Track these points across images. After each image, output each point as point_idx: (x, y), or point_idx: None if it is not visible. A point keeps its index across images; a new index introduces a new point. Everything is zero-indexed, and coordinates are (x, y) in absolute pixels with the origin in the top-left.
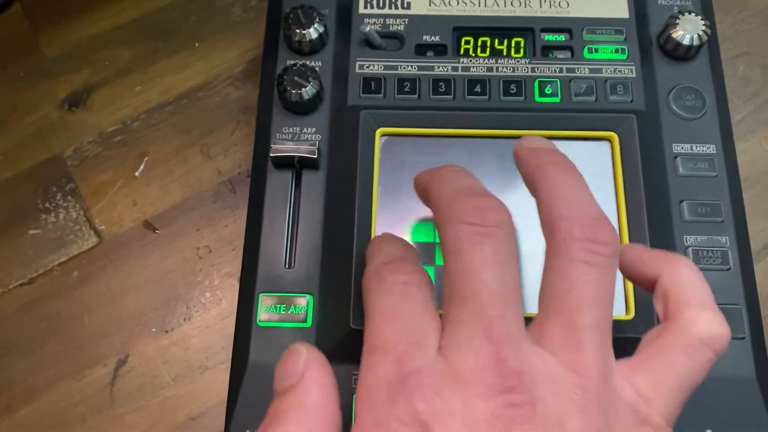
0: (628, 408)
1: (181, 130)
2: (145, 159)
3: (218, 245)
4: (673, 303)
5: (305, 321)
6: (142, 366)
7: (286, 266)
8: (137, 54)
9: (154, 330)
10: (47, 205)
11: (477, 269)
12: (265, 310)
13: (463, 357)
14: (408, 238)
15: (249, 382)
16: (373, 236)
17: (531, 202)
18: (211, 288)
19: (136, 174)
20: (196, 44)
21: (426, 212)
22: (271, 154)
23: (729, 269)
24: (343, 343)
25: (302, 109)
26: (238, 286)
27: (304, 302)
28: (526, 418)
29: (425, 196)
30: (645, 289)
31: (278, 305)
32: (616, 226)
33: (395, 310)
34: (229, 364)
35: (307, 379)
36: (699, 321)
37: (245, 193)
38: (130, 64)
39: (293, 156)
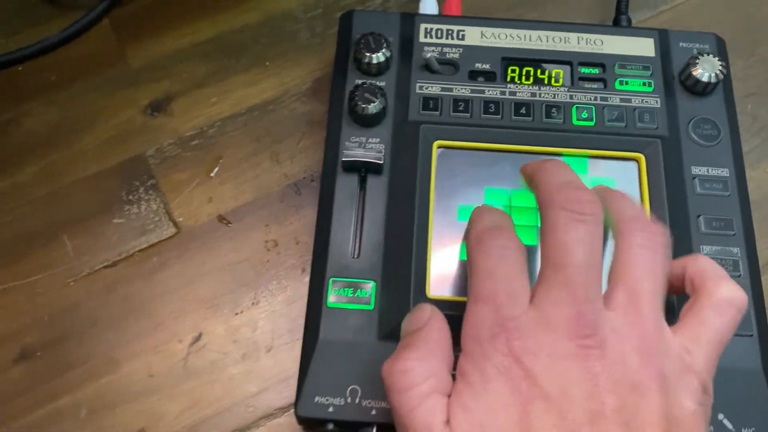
0: (676, 356)
1: (253, 138)
2: (220, 162)
3: (284, 239)
4: (698, 279)
5: (369, 304)
6: (213, 344)
7: (353, 256)
8: (212, 69)
9: (225, 312)
10: (130, 197)
11: (571, 246)
12: (335, 293)
13: (552, 311)
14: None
15: (318, 356)
16: (430, 232)
17: None
18: (277, 277)
19: (212, 175)
20: (267, 63)
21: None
22: (342, 159)
23: (740, 275)
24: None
25: (369, 122)
26: (301, 276)
27: (368, 287)
28: (597, 357)
29: (530, 182)
30: (677, 291)
31: (346, 289)
32: None
33: (494, 269)
34: (292, 344)
35: (430, 325)
36: (721, 286)
37: (309, 195)
38: (206, 78)
39: (362, 161)
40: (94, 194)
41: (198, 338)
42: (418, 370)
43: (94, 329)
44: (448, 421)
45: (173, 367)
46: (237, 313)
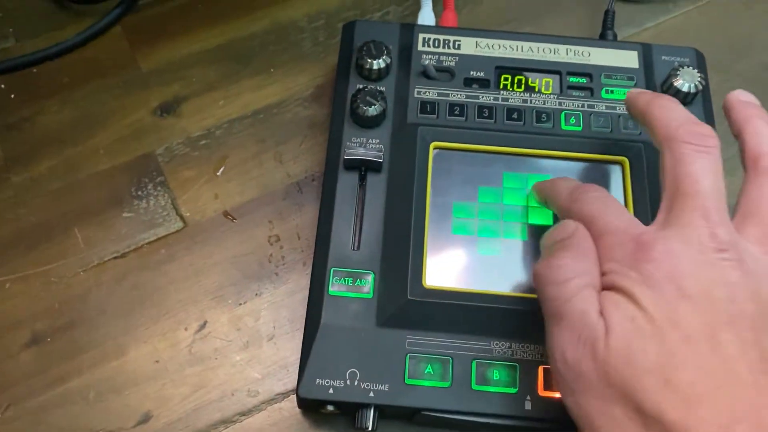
0: None
1: (258, 139)
2: (227, 161)
3: (287, 235)
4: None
5: (369, 293)
6: (218, 331)
7: (353, 248)
8: (221, 74)
9: (229, 302)
10: (140, 192)
11: (698, 175)
12: (336, 282)
13: (687, 231)
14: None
15: (320, 340)
16: (426, 227)
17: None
18: (280, 270)
19: (218, 173)
20: (272, 69)
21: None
22: (344, 157)
23: None
24: (400, 311)
25: (369, 124)
26: (303, 269)
27: (368, 277)
28: (734, 268)
29: (642, 117)
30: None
31: (346, 278)
32: None
33: (604, 210)
34: (293, 334)
35: (580, 232)
36: None
37: (311, 194)
38: (214, 82)
39: (362, 159)
40: (105, 189)
41: (203, 326)
42: (573, 265)
43: (103, 317)
44: (601, 313)
45: (179, 353)
46: (241, 304)
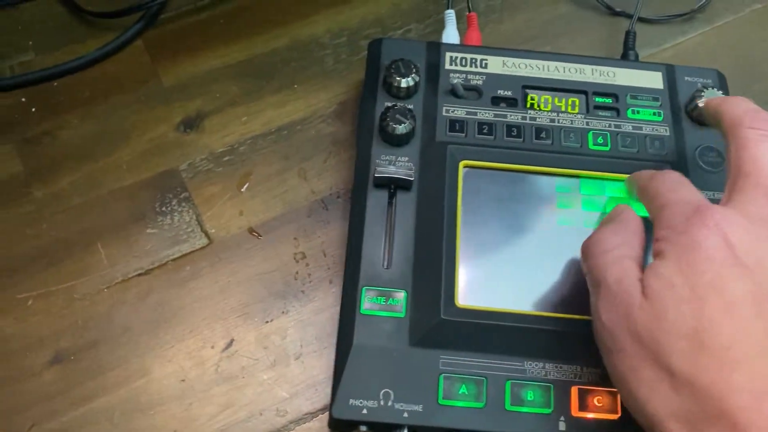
0: None
1: (282, 155)
2: (251, 177)
3: (312, 252)
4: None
5: (401, 312)
6: (245, 350)
7: (384, 266)
8: (243, 90)
9: (256, 320)
10: (164, 209)
11: (760, 157)
12: (369, 301)
13: (749, 206)
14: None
15: (353, 360)
16: (458, 245)
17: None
18: (306, 288)
19: (242, 190)
20: (295, 86)
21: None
22: (375, 175)
23: None
24: (433, 331)
25: (399, 142)
26: (329, 287)
27: (400, 296)
28: None
29: (714, 116)
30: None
31: (378, 297)
32: None
33: (681, 186)
34: (320, 352)
35: (627, 211)
36: None
37: (336, 211)
38: (237, 98)
39: (393, 177)
40: (128, 205)
41: (230, 344)
42: (613, 238)
43: (127, 334)
44: (641, 280)
45: (205, 371)
46: (267, 321)
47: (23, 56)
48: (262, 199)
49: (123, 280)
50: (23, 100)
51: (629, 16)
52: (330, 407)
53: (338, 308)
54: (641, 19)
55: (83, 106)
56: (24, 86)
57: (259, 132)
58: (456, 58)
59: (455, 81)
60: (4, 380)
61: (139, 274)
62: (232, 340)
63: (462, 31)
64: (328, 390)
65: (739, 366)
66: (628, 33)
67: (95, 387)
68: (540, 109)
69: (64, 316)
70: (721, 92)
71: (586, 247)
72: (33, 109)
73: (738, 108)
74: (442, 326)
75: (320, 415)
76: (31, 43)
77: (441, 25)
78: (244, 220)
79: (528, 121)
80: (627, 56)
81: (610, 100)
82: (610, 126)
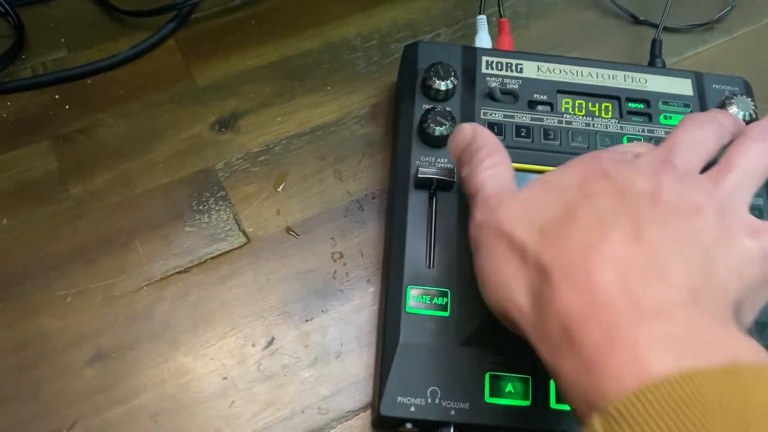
0: (741, 223)
1: (317, 156)
2: (287, 177)
3: (350, 252)
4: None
5: (446, 310)
6: (285, 348)
7: (428, 266)
8: (277, 90)
9: (295, 318)
10: (201, 207)
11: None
12: (414, 299)
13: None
14: None
15: (400, 358)
16: None
17: None
18: (344, 287)
19: (279, 189)
20: (328, 88)
21: None
22: (419, 176)
23: None
24: (479, 330)
25: (438, 143)
26: (366, 286)
27: (445, 295)
28: (670, 175)
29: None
30: None
31: (424, 296)
32: None
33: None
34: (360, 351)
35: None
36: None
37: (372, 211)
38: (271, 98)
39: (435, 178)
40: (165, 203)
41: (270, 342)
42: (490, 159)
43: (168, 332)
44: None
45: (247, 369)
46: (307, 320)
47: (56, 53)
48: (299, 199)
49: (162, 278)
50: (57, 97)
51: (652, 25)
52: (377, 404)
53: (376, 307)
54: (664, 28)
55: (117, 104)
56: (57, 83)
57: (294, 132)
58: (492, 62)
59: (493, 85)
60: (47, 377)
61: (179, 272)
62: (272, 339)
63: (493, 36)
64: (369, 388)
65: (560, 238)
66: (654, 41)
67: (137, 384)
68: (575, 114)
69: (103, 314)
70: (749, 99)
71: (465, 167)
72: (67, 107)
73: (739, 126)
74: (488, 326)
75: (362, 413)
76: (63, 40)
77: (469, 30)
78: (281, 220)
79: (564, 125)
80: (654, 63)
81: (642, 106)
82: (643, 131)
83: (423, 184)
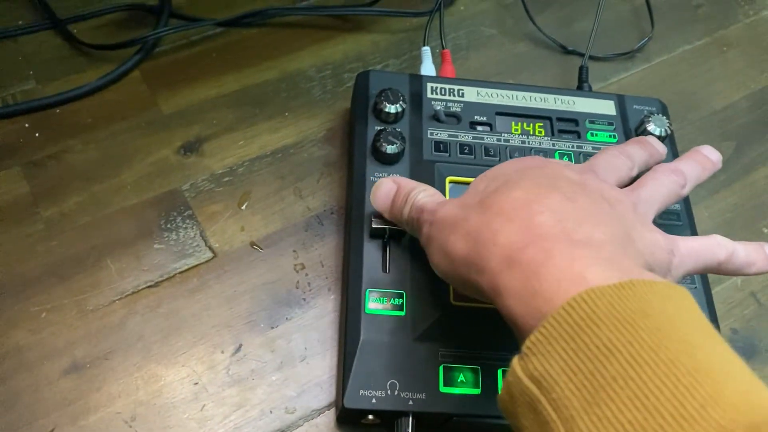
0: (651, 223)
1: (278, 176)
2: (250, 196)
3: (311, 263)
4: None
5: (402, 310)
6: (253, 354)
7: (384, 271)
8: (239, 117)
9: (262, 326)
10: (169, 225)
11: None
12: (373, 301)
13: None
14: None
15: (361, 355)
16: None
17: None
18: (307, 295)
19: (242, 207)
20: (287, 114)
21: None
22: (373, 226)
23: (695, 286)
24: (432, 327)
25: (390, 160)
26: (327, 294)
27: (400, 297)
28: (594, 177)
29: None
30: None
31: (381, 297)
32: None
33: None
34: (323, 354)
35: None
36: None
37: (330, 225)
38: (233, 124)
39: (388, 228)
40: (135, 222)
41: (238, 349)
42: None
43: (140, 343)
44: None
45: (217, 374)
46: (272, 327)
47: (24, 85)
48: (262, 216)
49: (134, 292)
50: (27, 125)
51: (580, 54)
52: (341, 399)
53: (338, 314)
54: (590, 57)
55: (86, 131)
56: (27, 113)
57: (256, 155)
58: (436, 88)
59: (438, 108)
60: (23, 388)
61: (149, 286)
62: (240, 345)
63: (436, 65)
64: (333, 388)
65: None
66: (581, 68)
67: (111, 392)
68: (512, 133)
69: (77, 327)
70: (665, 118)
71: (403, 207)
72: (37, 134)
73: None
74: (440, 322)
75: (326, 411)
76: (31, 72)
77: (415, 61)
78: (245, 235)
79: (502, 143)
80: (582, 88)
81: (572, 125)
82: (573, 147)
83: (377, 233)
